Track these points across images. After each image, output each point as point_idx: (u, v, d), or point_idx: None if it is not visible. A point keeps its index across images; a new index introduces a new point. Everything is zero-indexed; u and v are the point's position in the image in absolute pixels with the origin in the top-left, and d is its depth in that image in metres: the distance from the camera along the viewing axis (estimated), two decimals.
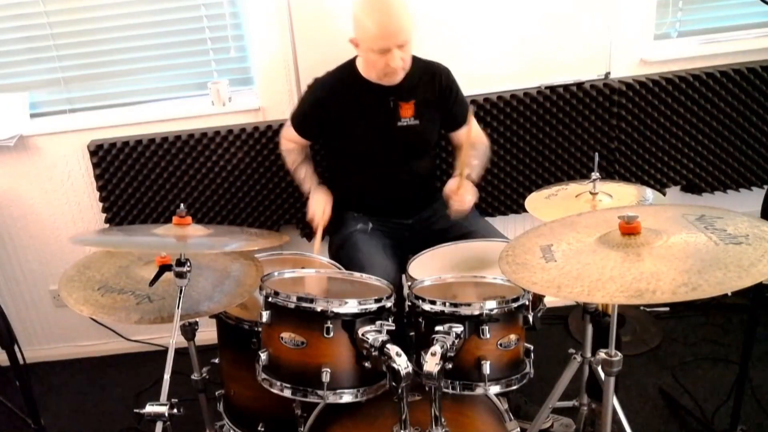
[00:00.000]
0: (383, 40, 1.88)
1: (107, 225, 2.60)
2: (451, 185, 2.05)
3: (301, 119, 2.18)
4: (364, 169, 2.15)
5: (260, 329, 1.55)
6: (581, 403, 1.97)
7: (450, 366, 1.41)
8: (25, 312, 2.84)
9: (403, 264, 2.03)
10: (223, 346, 1.83)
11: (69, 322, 2.84)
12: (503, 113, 2.48)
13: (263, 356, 1.49)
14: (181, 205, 1.59)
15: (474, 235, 2.05)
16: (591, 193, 1.72)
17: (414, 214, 2.21)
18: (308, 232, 2.65)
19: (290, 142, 2.24)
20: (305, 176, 2.24)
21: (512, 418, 1.61)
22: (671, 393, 2.25)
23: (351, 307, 1.44)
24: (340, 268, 1.90)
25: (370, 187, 2.16)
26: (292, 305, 1.45)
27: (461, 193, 2.02)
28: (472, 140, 2.13)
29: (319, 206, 2.13)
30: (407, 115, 2.08)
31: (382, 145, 2.09)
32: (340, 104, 2.07)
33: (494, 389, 1.48)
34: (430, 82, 2.11)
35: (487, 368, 1.44)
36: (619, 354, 1.42)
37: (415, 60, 2.08)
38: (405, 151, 2.12)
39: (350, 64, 2.10)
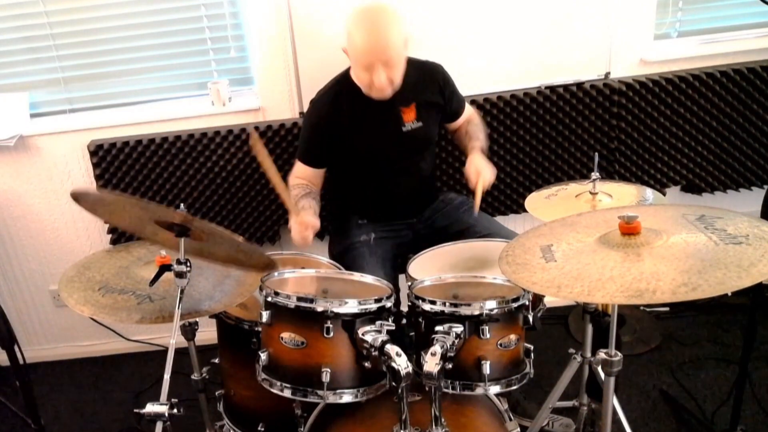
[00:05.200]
0: (368, 55, 1.85)
1: (107, 225, 2.60)
2: (471, 171, 2.00)
3: (308, 146, 2.11)
4: (371, 176, 2.12)
5: (260, 329, 1.55)
6: (581, 403, 1.97)
7: (450, 366, 1.41)
8: (25, 312, 2.84)
9: (402, 266, 2.03)
10: (223, 346, 1.83)
11: (69, 322, 2.84)
12: (503, 113, 2.48)
13: (263, 356, 1.49)
14: (181, 205, 1.59)
15: (476, 230, 2.05)
16: (591, 193, 1.72)
17: (418, 212, 2.21)
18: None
19: (297, 179, 2.09)
20: (301, 203, 2.00)
21: (512, 418, 1.62)
22: (671, 393, 2.25)
23: (351, 307, 1.44)
24: (340, 268, 1.90)
25: (377, 192, 2.15)
26: (292, 305, 1.45)
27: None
28: (469, 118, 2.24)
29: (301, 232, 1.90)
30: (410, 119, 2.06)
31: (389, 151, 2.07)
32: (342, 117, 2.02)
33: (494, 389, 1.48)
34: (429, 82, 2.10)
35: (487, 368, 1.44)
36: (619, 354, 1.42)
37: (410, 61, 2.07)
38: (411, 155, 2.11)
39: (345, 76, 2.06)
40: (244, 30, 2.49)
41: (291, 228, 1.91)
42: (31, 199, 2.64)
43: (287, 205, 1.90)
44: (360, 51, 1.86)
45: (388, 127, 2.05)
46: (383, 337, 1.40)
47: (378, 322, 1.46)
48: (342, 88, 2.05)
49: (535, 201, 1.78)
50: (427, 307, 1.49)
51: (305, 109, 2.37)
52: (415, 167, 2.14)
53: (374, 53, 1.84)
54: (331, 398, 1.44)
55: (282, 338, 1.46)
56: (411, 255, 1.92)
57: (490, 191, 2.59)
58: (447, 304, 1.47)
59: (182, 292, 1.47)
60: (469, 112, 2.27)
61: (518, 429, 1.58)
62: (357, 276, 1.70)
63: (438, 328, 1.44)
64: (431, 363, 1.32)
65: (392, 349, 1.34)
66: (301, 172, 2.10)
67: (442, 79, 2.13)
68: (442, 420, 1.36)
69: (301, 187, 2.06)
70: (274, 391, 1.47)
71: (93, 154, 2.47)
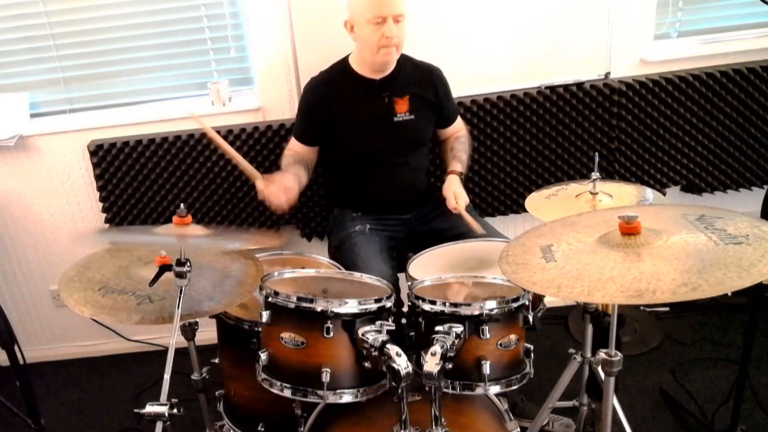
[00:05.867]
0: (379, 7, 1.90)
1: (107, 225, 2.60)
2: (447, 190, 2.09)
3: (301, 122, 2.17)
4: (363, 166, 2.15)
5: (260, 329, 1.55)
6: (581, 403, 1.97)
7: (450, 366, 1.41)
8: (25, 312, 2.84)
9: (402, 263, 2.03)
10: (223, 346, 1.83)
11: (69, 322, 2.84)
12: (503, 113, 2.48)
13: (263, 356, 1.49)
14: (181, 205, 1.59)
15: (473, 233, 2.05)
16: (591, 193, 1.72)
17: (412, 209, 2.22)
18: (308, 232, 2.65)
19: (290, 151, 2.19)
20: (289, 168, 2.09)
21: (512, 418, 1.62)
22: (671, 393, 2.25)
23: (351, 307, 1.44)
24: (339, 268, 1.90)
25: (369, 184, 2.17)
26: (292, 305, 1.45)
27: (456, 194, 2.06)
28: (458, 134, 2.27)
29: (280, 192, 1.96)
30: (402, 110, 2.10)
31: (379, 140, 2.10)
32: (336, 100, 2.08)
33: (494, 389, 1.48)
34: (423, 79, 2.15)
35: (487, 368, 1.44)
36: (619, 354, 1.42)
37: (407, 58, 2.12)
38: (402, 147, 2.14)
39: (343, 62, 2.12)
40: (244, 30, 2.49)
41: (264, 192, 1.96)
42: (31, 199, 2.64)
43: (246, 170, 1.99)
44: (371, 5, 1.91)
45: (380, 116, 2.09)
46: (383, 337, 1.40)
47: (378, 322, 1.46)
48: (339, 72, 2.11)
49: (535, 201, 1.78)
50: (427, 307, 1.49)
51: None
52: (406, 162, 2.16)
53: (386, 6, 1.91)
54: (331, 398, 1.43)
55: (282, 338, 1.46)
56: (410, 254, 1.92)
57: (490, 191, 2.61)
58: (447, 304, 1.47)
59: (182, 292, 1.47)
60: (459, 125, 2.31)
61: (518, 429, 1.58)
62: (357, 276, 1.70)
63: (438, 328, 1.44)
64: (431, 363, 1.32)
65: (392, 349, 1.34)
66: (296, 148, 2.18)
67: (437, 79, 2.17)
68: (442, 420, 1.36)
69: (292, 156, 2.15)
70: (274, 391, 1.47)
71: (93, 154, 2.47)
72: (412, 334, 1.56)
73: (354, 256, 1.97)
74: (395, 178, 2.16)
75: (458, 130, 2.30)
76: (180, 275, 1.48)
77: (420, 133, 2.18)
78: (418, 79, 2.13)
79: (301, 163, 2.14)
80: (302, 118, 2.17)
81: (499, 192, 2.62)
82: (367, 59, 2.04)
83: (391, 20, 1.92)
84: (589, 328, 1.82)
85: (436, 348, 1.35)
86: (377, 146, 2.11)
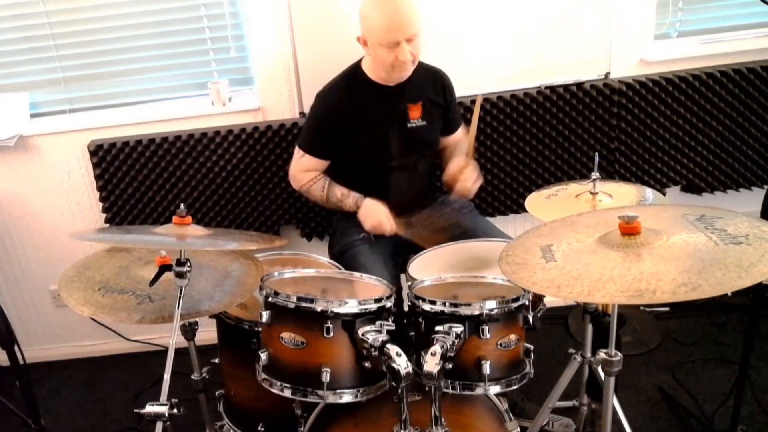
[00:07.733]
0: (392, 32, 1.88)
1: (107, 225, 2.60)
2: (454, 167, 2.09)
3: (315, 137, 2.12)
4: (369, 170, 2.13)
5: (260, 329, 1.55)
6: (581, 403, 1.97)
7: (450, 366, 1.41)
8: (25, 312, 2.84)
9: (404, 264, 2.03)
10: (223, 346, 1.83)
11: (69, 322, 2.84)
12: (503, 113, 2.48)
13: (263, 356, 1.49)
14: (181, 205, 1.59)
15: (474, 234, 2.05)
16: (591, 193, 1.72)
17: (416, 212, 2.21)
18: (308, 232, 2.65)
19: (307, 173, 2.15)
20: (343, 193, 2.11)
21: (512, 418, 1.62)
22: (671, 393, 2.25)
23: (351, 307, 1.44)
24: (340, 268, 1.90)
25: (374, 187, 2.16)
26: (292, 305, 1.45)
27: (467, 174, 2.07)
28: (459, 140, 2.28)
29: (379, 212, 2.05)
30: (416, 116, 2.09)
31: (393, 146, 2.09)
32: (351, 110, 2.05)
33: (494, 389, 1.48)
34: (433, 85, 2.15)
35: (487, 368, 1.44)
36: (619, 354, 1.42)
37: (419, 63, 2.10)
38: (413, 152, 2.13)
39: (355, 68, 2.09)
40: (244, 30, 2.49)
41: (374, 218, 2.03)
42: (31, 199, 2.64)
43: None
44: (383, 30, 1.88)
45: (394, 122, 2.08)
46: (383, 337, 1.40)
47: (378, 322, 1.46)
48: (353, 80, 2.08)
49: (535, 201, 1.78)
50: (427, 307, 1.49)
51: (305, 109, 2.38)
52: (413, 165, 2.16)
53: (399, 30, 1.88)
54: (331, 398, 1.44)
55: (282, 338, 1.46)
56: (411, 255, 1.92)
57: (490, 191, 2.61)
58: (447, 304, 1.47)
59: (182, 292, 1.47)
60: (460, 135, 2.31)
61: (518, 429, 1.58)
62: (357, 276, 1.70)
63: (438, 328, 1.44)
64: (431, 363, 1.32)
65: (392, 349, 1.34)
66: (311, 165, 2.13)
67: (446, 83, 2.17)
68: (442, 420, 1.36)
69: (320, 179, 2.13)
70: (274, 391, 1.47)
71: (93, 154, 2.47)
72: (412, 334, 1.56)
73: (357, 266, 1.97)
74: (401, 182, 2.15)
75: (460, 139, 2.29)
76: (180, 275, 1.48)
77: (431, 139, 2.18)
78: (430, 84, 2.13)
79: (334, 181, 2.13)
80: (319, 129, 2.11)
81: (499, 192, 2.62)
82: (382, 75, 2.03)
83: (404, 43, 1.89)
84: (589, 328, 1.82)
85: (436, 348, 1.35)
86: (389, 151, 2.10)
